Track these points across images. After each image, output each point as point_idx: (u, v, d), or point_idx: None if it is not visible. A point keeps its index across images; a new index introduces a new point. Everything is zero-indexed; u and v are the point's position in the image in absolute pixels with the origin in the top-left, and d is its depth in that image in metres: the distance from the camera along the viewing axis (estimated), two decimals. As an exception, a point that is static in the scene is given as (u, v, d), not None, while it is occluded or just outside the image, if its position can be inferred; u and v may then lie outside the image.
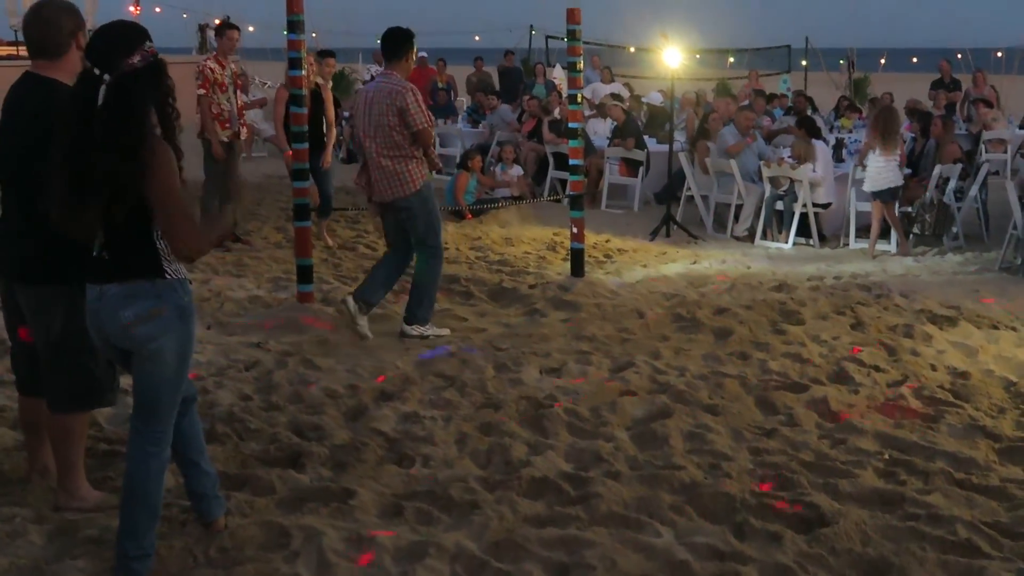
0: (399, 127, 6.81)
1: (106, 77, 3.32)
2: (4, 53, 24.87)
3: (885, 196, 10.31)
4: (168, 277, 3.48)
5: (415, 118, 6.80)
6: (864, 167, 10.50)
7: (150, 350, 3.46)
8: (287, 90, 9.24)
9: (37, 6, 4.04)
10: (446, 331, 7.13)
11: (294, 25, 7.49)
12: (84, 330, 3.66)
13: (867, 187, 10.39)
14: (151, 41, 3.45)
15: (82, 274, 3.59)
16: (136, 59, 3.36)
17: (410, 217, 6.96)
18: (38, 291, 3.95)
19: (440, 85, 18.63)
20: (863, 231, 10.90)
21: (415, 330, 7.04)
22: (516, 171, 13.04)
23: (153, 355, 3.47)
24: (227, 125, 9.57)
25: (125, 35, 3.42)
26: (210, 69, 9.48)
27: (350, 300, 7.03)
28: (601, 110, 15.48)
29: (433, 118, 7.27)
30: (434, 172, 7.17)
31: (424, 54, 20.02)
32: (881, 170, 10.30)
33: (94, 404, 4.17)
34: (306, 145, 7.77)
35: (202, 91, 9.41)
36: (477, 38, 37.83)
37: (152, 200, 3.35)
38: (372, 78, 22.14)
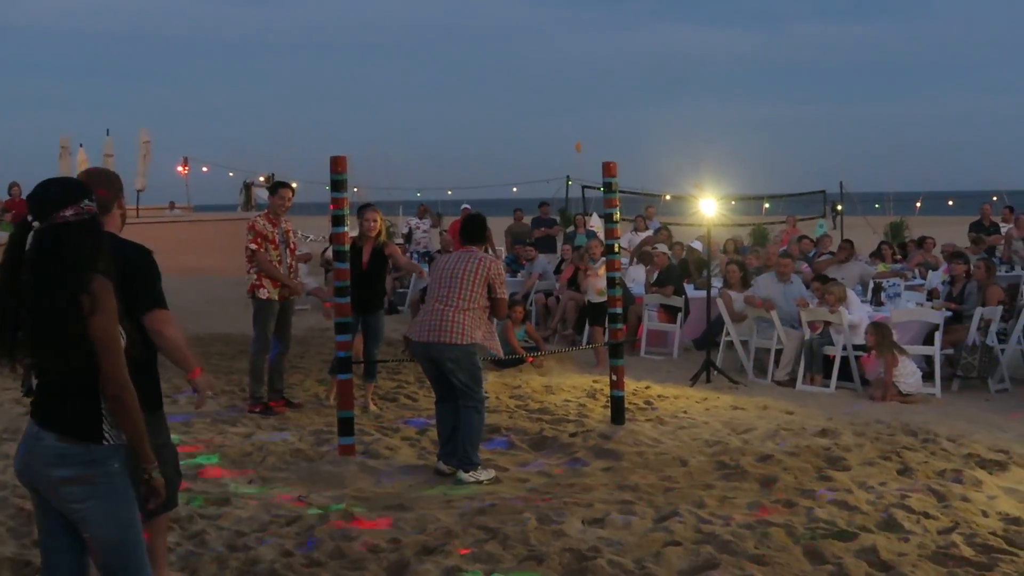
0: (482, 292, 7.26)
1: (35, 224, 3.44)
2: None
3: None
4: (106, 443, 3.45)
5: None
6: None
7: (78, 514, 3.45)
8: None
9: (86, 172, 4.46)
10: (493, 473, 7.31)
11: (338, 184, 7.72)
12: None
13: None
14: (91, 201, 3.54)
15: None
16: (68, 212, 3.46)
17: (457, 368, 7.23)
18: None
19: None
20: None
21: (471, 476, 7.19)
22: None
23: (82, 520, 3.46)
24: (277, 283, 9.33)
25: (63, 190, 3.53)
26: (262, 225, 9.35)
27: (442, 466, 7.40)
28: (643, 258, 15.63)
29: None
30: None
31: (467, 206, 20.51)
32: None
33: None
34: (348, 299, 7.92)
35: (254, 246, 9.23)
36: (515, 189, 38.52)
37: (93, 337, 3.39)
38: (409, 231, 22.79)
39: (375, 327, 9.42)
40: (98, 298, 3.39)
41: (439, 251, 18.37)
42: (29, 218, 3.46)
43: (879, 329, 10.42)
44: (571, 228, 21.06)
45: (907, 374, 10.21)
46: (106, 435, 3.46)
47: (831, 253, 16.04)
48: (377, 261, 9.34)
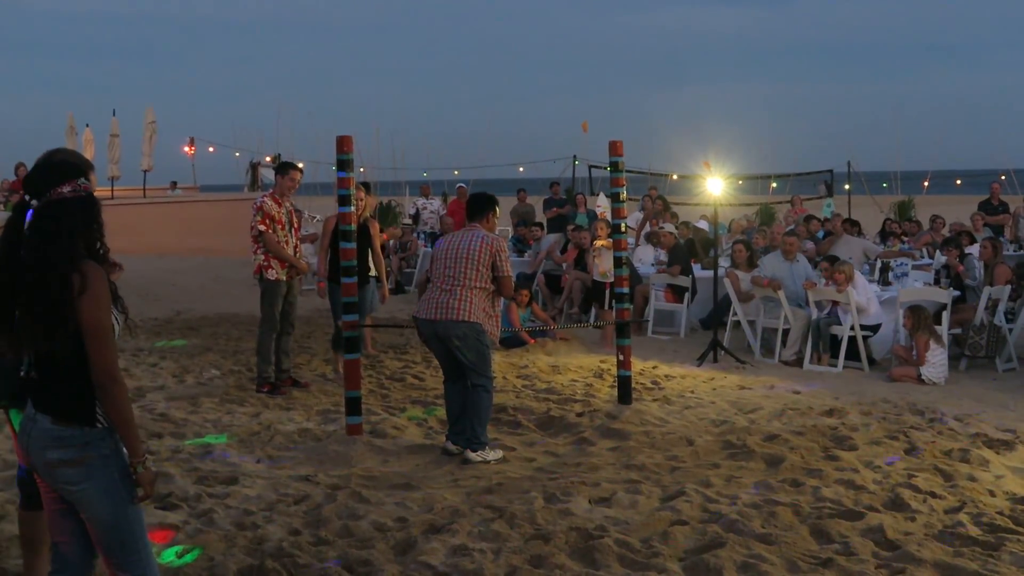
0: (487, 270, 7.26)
1: (33, 203, 3.43)
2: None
3: None
4: (99, 426, 3.45)
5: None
6: None
7: (74, 495, 3.46)
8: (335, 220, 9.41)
9: (49, 153, 4.14)
10: (501, 453, 7.30)
11: (344, 163, 7.72)
12: None
13: None
14: (87, 179, 3.52)
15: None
16: (65, 189, 3.45)
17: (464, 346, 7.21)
18: None
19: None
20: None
21: (479, 455, 7.18)
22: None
23: (78, 502, 3.47)
24: (285, 264, 9.37)
25: (58, 168, 3.51)
26: (268, 206, 9.31)
27: (450, 445, 7.37)
28: (650, 238, 15.61)
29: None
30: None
31: (462, 185, 20.54)
32: None
33: None
34: (355, 279, 7.93)
35: (262, 227, 9.23)
36: (521, 169, 38.32)
37: (81, 321, 3.36)
38: (417, 211, 22.80)
39: (362, 302, 9.50)
40: (88, 280, 3.37)
41: (441, 233, 18.36)
42: (27, 197, 3.44)
43: (916, 311, 10.35)
44: (572, 209, 21.05)
45: (934, 363, 10.14)
46: (99, 418, 3.45)
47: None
48: (360, 237, 9.33)
